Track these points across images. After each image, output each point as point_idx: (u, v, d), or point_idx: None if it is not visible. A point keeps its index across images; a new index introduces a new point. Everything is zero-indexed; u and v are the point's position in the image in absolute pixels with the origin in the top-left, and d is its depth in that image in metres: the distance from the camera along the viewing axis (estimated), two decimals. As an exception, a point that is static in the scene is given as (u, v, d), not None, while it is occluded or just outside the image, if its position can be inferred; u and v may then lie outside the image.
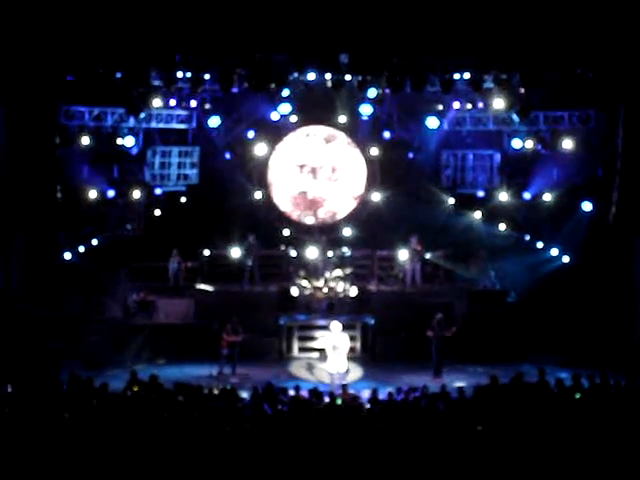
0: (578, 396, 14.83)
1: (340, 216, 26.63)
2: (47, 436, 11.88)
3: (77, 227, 24.31)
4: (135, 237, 25.39)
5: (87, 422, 12.44)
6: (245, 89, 23.75)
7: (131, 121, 24.79)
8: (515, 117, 24.60)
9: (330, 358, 19.72)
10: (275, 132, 26.14)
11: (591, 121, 24.34)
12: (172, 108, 24.99)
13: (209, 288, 24.12)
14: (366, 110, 24.61)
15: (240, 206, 25.49)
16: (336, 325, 20.03)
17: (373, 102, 24.37)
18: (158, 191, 25.98)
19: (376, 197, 26.05)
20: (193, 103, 24.90)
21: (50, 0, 20.49)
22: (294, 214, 26.63)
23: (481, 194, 26.14)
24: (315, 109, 25.55)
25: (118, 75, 22.77)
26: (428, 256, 24.58)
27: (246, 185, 26.03)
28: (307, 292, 23.41)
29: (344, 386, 17.21)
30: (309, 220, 26.53)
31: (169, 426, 12.36)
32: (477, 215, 25.47)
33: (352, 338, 21.88)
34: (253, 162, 26.20)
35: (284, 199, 26.61)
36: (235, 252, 24.44)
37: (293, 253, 25.03)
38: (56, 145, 23.33)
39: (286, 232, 25.86)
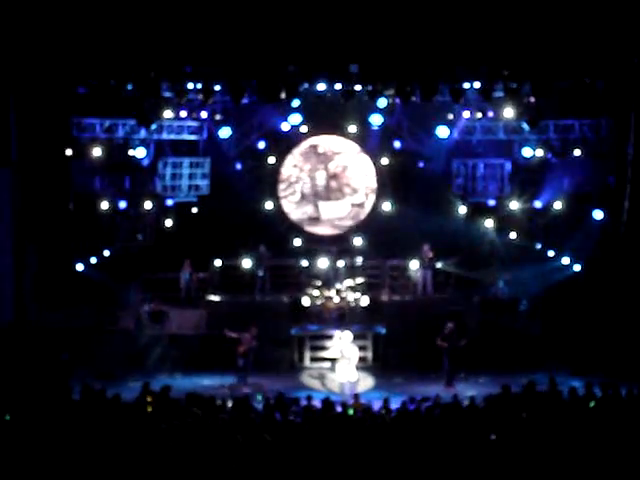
0: (592, 404, 14.80)
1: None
2: (59, 447, 11.92)
3: (89, 238, 24.41)
4: (147, 248, 25.47)
5: (100, 433, 12.49)
6: (255, 100, 23.85)
7: (142, 132, 24.89)
8: (525, 126, 24.60)
9: (340, 367, 19.75)
10: (286, 143, 26.24)
11: (601, 129, 24.35)
12: (183, 119, 25.12)
13: (217, 298, 24.18)
14: (376, 120, 24.66)
15: (251, 216, 25.56)
16: (346, 334, 20.05)
17: (383, 112, 24.41)
18: (169, 202, 26.08)
19: (387, 206, 26.09)
20: (204, 114, 25.01)
21: (61, 13, 20.59)
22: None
23: (492, 203, 26.15)
24: (325, 119, 25.67)
25: (129, 87, 22.88)
26: (439, 265, 24.60)
27: (257, 195, 26.13)
28: (318, 302, 23.43)
29: (356, 396, 17.22)
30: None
31: (181, 437, 12.39)
32: (488, 224, 25.47)
33: (363, 348, 21.90)
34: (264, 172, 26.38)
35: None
36: (246, 262, 24.51)
37: (304, 263, 25.06)
38: (68, 157, 23.45)
39: (297, 242, 25.92)
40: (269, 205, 26.19)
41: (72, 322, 21.75)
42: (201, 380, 20.58)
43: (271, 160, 26.30)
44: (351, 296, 23.40)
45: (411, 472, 11.41)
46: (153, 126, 24.63)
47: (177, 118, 24.82)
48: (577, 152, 24.46)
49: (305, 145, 26.51)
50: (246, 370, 20.70)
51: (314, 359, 22.71)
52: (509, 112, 23.98)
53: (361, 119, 25.30)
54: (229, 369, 20.82)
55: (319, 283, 23.93)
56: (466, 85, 23.02)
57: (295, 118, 24.76)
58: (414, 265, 24.42)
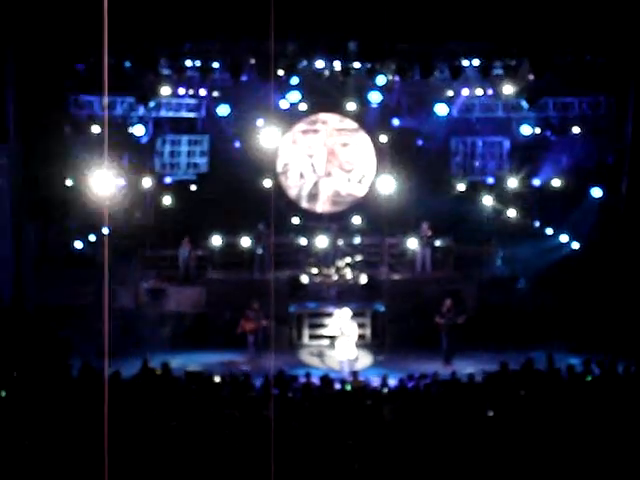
0: (589, 379, 14.88)
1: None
2: (58, 424, 11.99)
3: (87, 216, 24.40)
4: (145, 226, 25.47)
5: (99, 410, 12.54)
6: (254, 77, 23.79)
7: (141, 110, 24.85)
8: (524, 104, 24.58)
9: (339, 345, 19.82)
10: (284, 120, 26.18)
11: (601, 107, 24.33)
12: (181, 97, 25.04)
13: (216, 276, 24.22)
14: (375, 98, 24.61)
15: (250, 194, 25.53)
16: (345, 312, 20.10)
17: (382, 89, 24.37)
18: (168, 180, 26.09)
19: (385, 184, 26.04)
20: (202, 92, 24.93)
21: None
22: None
23: (490, 181, 26.17)
24: (324, 97, 25.58)
25: (127, 64, 22.82)
26: (438, 243, 24.64)
27: (256, 173, 26.10)
28: (317, 280, 23.49)
29: (354, 373, 17.29)
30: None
31: (180, 414, 12.45)
32: (487, 202, 25.47)
33: (362, 325, 21.95)
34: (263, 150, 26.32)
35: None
36: (245, 240, 24.52)
37: (303, 241, 25.08)
38: (66, 134, 23.42)
39: (296, 220, 25.92)
40: (268, 183, 26.15)
41: (71, 300, 21.80)
42: (200, 357, 20.63)
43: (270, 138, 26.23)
44: (350, 274, 23.47)
45: (409, 449, 11.48)
46: (151, 103, 24.60)
47: (175, 95, 24.75)
48: (576, 129, 24.44)
49: (304, 122, 26.45)
50: (257, 347, 20.85)
51: (313, 337, 22.78)
52: (508, 90, 23.94)
53: (360, 97, 25.23)
54: (228, 347, 20.92)
55: (318, 261, 23.98)
56: (465, 62, 22.97)
57: (294, 96, 24.71)
58: (413, 243, 24.43)
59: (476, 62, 22.99)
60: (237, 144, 26.11)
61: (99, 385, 14.38)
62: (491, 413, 12.64)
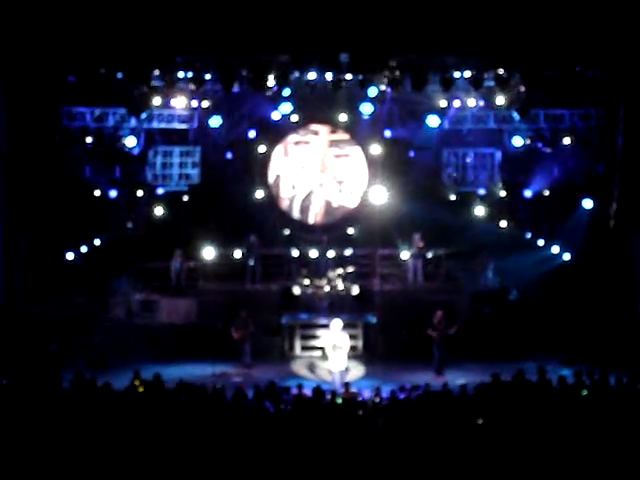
0: (585, 393, 14.87)
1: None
2: (50, 435, 11.95)
3: (79, 227, 24.40)
4: (137, 237, 25.45)
5: (90, 421, 12.51)
6: (246, 89, 23.81)
7: (132, 121, 24.85)
8: (516, 115, 24.65)
9: (330, 356, 19.80)
10: (276, 132, 26.22)
11: (591, 119, 24.40)
12: (173, 108, 25.04)
13: (208, 288, 24.19)
14: (367, 109, 24.64)
15: (241, 205, 25.55)
16: (336, 323, 20.10)
17: (374, 101, 24.41)
18: (160, 191, 26.08)
19: (377, 196, 26.06)
20: (194, 103, 24.94)
21: (50, 2, 20.52)
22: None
23: (482, 192, 26.21)
24: (316, 108, 25.62)
25: (119, 75, 22.81)
26: (430, 254, 24.66)
27: (247, 184, 26.10)
28: (309, 291, 23.49)
29: (346, 384, 17.28)
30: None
31: (172, 426, 12.42)
32: (478, 213, 25.51)
33: (354, 337, 21.94)
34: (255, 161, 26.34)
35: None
36: (237, 251, 24.51)
37: (295, 252, 25.08)
38: (58, 146, 23.42)
39: (287, 231, 25.92)
40: (260, 194, 26.16)
41: (63, 311, 21.75)
42: (191, 369, 20.58)
43: (262, 149, 26.26)
44: (341, 285, 23.47)
45: (401, 460, 11.47)
46: (143, 115, 24.59)
47: (167, 106, 24.74)
48: (567, 141, 24.51)
49: (296, 133, 26.49)
50: (247, 355, 20.88)
51: (305, 348, 22.76)
52: (499, 101, 24.00)
53: (352, 108, 25.26)
54: (219, 358, 20.87)
55: (310, 272, 23.98)
56: (456, 74, 23.01)
57: (286, 107, 24.74)
58: (405, 255, 24.45)
59: (467, 74, 23.00)
60: (229, 155, 26.14)
61: (90, 396, 14.41)
62: (480, 421, 12.64)
